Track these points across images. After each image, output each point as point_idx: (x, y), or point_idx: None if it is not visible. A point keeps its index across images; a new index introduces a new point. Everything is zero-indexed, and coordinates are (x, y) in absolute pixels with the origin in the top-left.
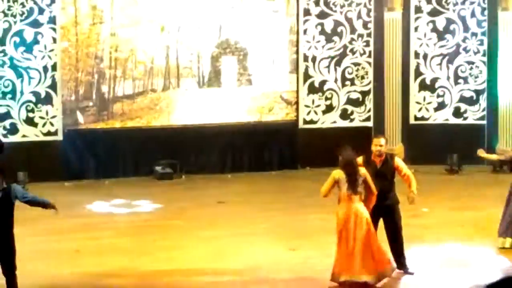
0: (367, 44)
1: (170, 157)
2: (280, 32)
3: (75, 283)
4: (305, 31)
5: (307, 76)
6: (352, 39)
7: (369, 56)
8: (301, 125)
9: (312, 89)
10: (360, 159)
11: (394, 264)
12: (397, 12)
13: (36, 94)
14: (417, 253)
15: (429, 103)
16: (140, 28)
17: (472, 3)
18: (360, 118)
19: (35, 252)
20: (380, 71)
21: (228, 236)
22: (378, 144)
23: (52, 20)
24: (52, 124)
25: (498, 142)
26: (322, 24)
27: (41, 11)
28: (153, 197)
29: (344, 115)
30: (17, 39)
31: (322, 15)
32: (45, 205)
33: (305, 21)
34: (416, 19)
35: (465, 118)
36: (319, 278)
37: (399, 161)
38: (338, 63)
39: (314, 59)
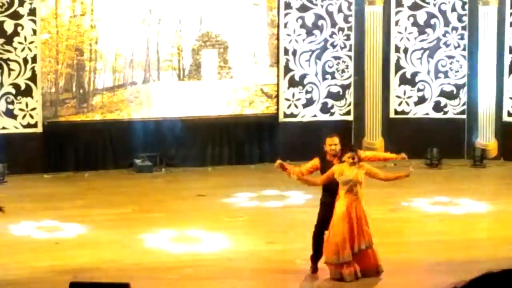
0: (348, 37)
1: (150, 150)
2: (261, 25)
3: (55, 276)
4: (285, 25)
5: (287, 69)
6: (333, 33)
7: (350, 50)
8: (281, 118)
9: (292, 83)
10: (316, 160)
11: None
12: (377, 5)
13: (16, 86)
14: (396, 247)
15: (409, 97)
16: (120, 20)
17: None
18: (341, 112)
19: (13, 244)
20: (360, 65)
21: (207, 229)
22: (333, 144)
23: (33, 12)
24: (31, 116)
25: (478, 136)
26: (302, 18)
27: (21, 3)
28: (132, 190)
29: (325, 108)
30: None
31: (302, 9)
32: None
33: (286, 14)
34: (397, 13)
35: (445, 113)
36: (297, 271)
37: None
38: (318, 57)
39: (294, 52)
